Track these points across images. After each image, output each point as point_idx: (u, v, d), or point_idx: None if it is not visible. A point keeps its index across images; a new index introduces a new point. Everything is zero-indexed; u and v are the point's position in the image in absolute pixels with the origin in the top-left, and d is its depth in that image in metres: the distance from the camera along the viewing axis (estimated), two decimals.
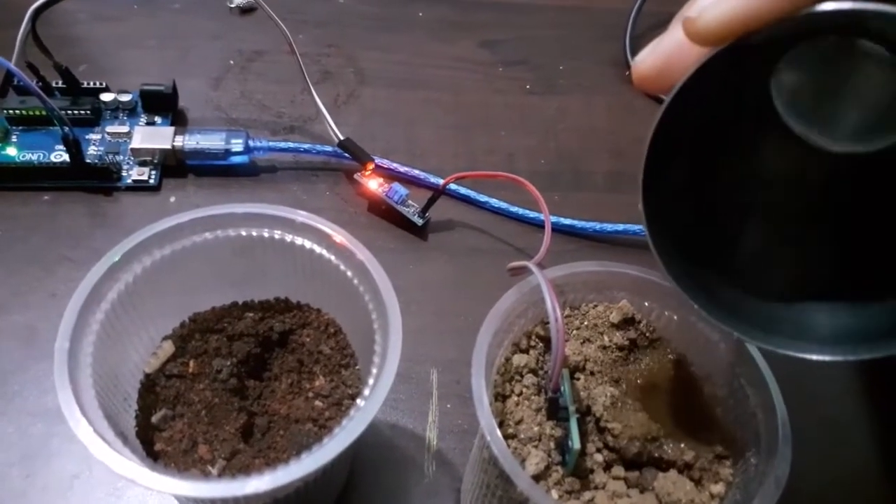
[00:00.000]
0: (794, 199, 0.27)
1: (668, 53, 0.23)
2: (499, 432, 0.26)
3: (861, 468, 0.39)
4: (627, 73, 0.57)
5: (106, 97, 0.49)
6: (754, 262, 0.28)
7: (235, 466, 0.30)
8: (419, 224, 0.46)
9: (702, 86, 0.22)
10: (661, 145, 0.23)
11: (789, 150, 0.26)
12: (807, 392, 0.34)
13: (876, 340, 0.24)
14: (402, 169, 0.48)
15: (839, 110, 0.24)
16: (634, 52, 0.58)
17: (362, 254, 0.30)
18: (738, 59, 0.21)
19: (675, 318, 0.31)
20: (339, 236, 0.31)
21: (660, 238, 0.25)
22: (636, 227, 0.46)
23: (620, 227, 0.46)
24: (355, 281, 0.31)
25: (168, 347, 0.32)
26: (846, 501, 0.38)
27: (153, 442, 0.30)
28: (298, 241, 0.32)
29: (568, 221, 0.46)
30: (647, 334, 0.31)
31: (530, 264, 0.28)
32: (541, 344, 0.31)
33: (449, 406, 0.39)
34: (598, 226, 0.46)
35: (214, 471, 0.29)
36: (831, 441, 0.39)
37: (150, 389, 0.32)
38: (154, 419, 0.31)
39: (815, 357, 0.25)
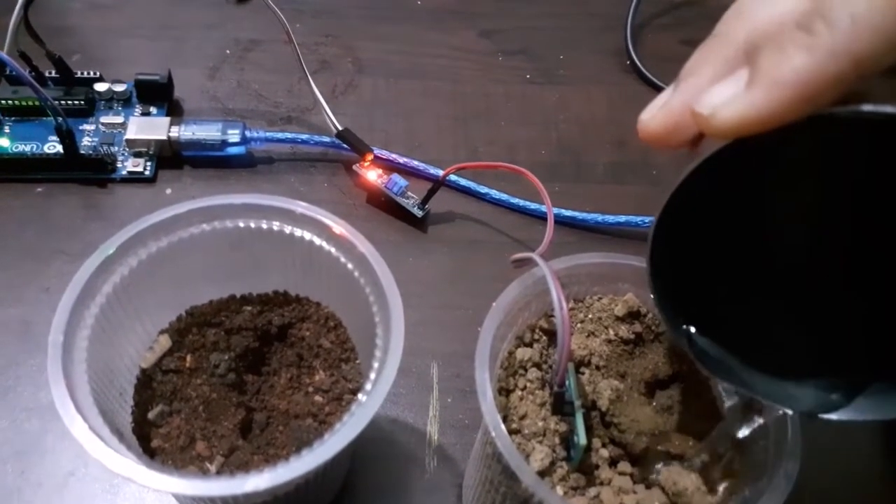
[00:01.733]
0: (806, 258, 0.27)
1: (675, 117, 0.23)
2: (503, 427, 0.25)
3: (869, 466, 0.38)
4: (628, 62, 0.57)
5: (100, 87, 0.48)
6: (763, 326, 0.27)
7: (234, 463, 0.29)
8: (419, 216, 0.45)
9: (709, 168, 0.21)
10: (668, 222, 0.23)
11: (804, 194, 0.25)
12: None
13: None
14: (402, 160, 0.48)
15: None
16: (635, 42, 0.57)
17: (363, 246, 0.30)
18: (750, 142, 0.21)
19: None
20: (339, 227, 0.30)
21: (667, 303, 0.25)
22: (638, 219, 0.46)
23: (622, 218, 0.46)
24: (356, 273, 0.30)
25: (164, 342, 0.32)
26: (854, 499, 0.37)
27: (150, 438, 0.30)
28: (298, 232, 0.31)
29: (569, 213, 0.46)
30: (653, 328, 0.31)
31: (535, 256, 0.28)
32: (544, 337, 0.30)
33: (450, 400, 0.38)
34: (599, 217, 0.46)
35: (213, 468, 0.29)
36: (839, 437, 0.38)
37: (147, 385, 0.31)
38: (151, 415, 0.30)
39: (823, 416, 0.24)
